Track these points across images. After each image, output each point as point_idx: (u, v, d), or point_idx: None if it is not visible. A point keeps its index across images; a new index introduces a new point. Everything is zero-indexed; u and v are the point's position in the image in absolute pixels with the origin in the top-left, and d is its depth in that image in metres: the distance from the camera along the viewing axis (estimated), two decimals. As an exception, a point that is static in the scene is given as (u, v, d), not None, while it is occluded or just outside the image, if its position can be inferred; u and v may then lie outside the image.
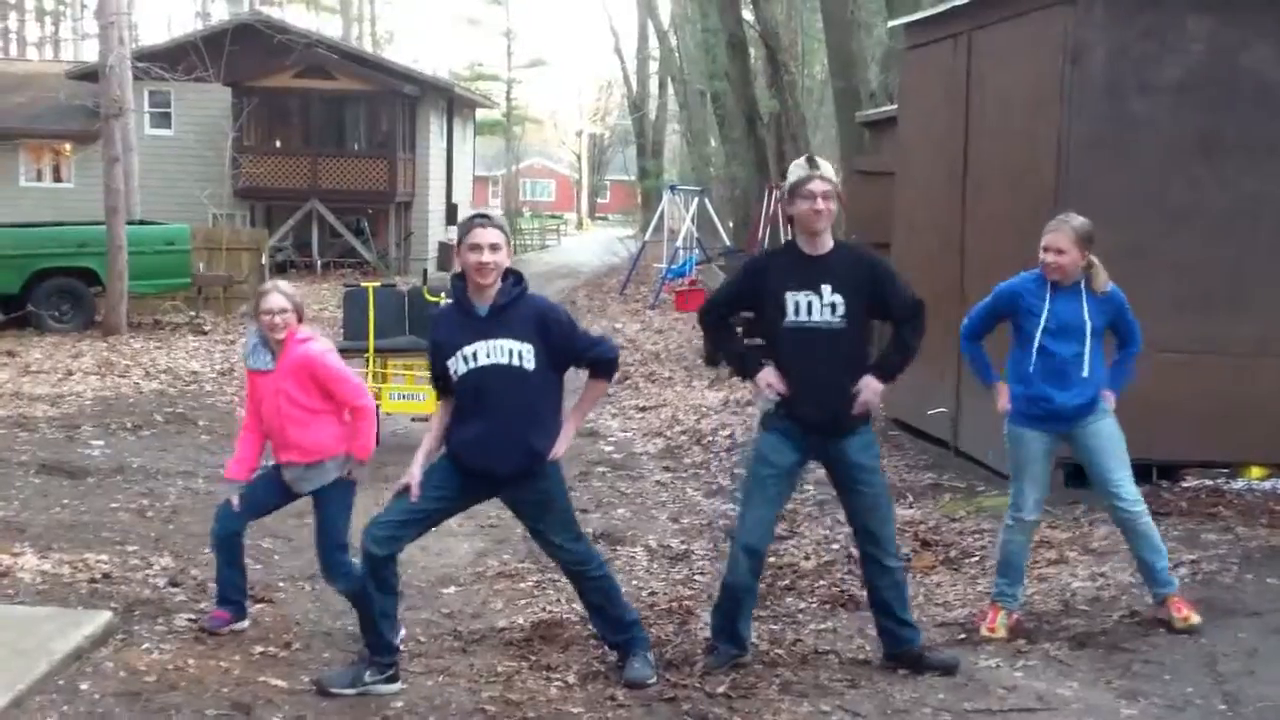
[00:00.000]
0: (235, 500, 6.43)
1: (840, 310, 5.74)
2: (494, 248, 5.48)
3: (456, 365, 5.54)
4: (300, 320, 6.27)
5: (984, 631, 6.35)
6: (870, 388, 5.81)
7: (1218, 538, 7.71)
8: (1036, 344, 6.26)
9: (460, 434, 5.62)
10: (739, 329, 6.42)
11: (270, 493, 6.47)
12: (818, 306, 5.75)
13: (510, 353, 5.52)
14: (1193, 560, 7.25)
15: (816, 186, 5.72)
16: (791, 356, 5.79)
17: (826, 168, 5.81)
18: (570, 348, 5.67)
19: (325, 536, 6.32)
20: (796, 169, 5.85)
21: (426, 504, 5.63)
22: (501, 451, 5.56)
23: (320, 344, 6.39)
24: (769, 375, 5.82)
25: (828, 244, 5.83)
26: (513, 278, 5.62)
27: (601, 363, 5.79)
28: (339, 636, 6.45)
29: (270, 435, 6.36)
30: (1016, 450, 6.41)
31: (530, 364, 5.54)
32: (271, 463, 6.46)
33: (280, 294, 6.25)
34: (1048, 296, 6.27)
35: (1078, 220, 6.29)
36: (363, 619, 5.80)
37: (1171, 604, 6.28)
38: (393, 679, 5.65)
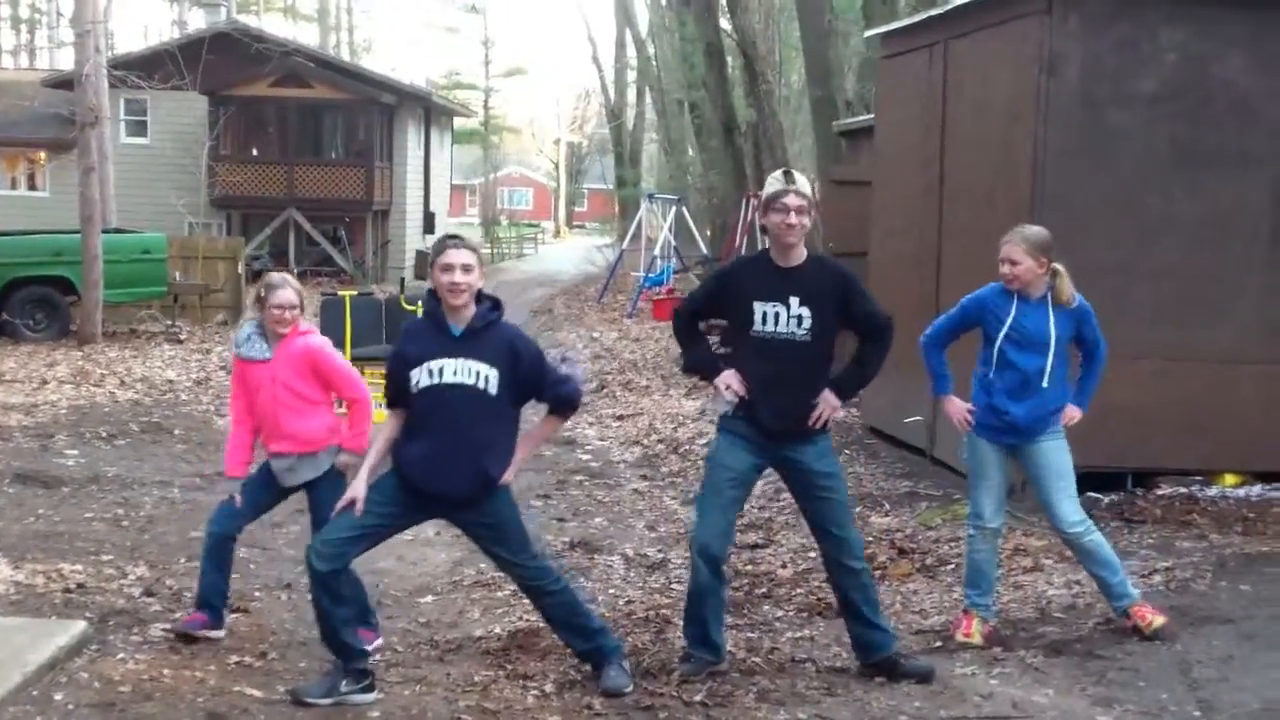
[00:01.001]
0: (238, 498, 6.42)
1: (806, 324, 5.77)
2: (465, 268, 5.46)
3: (419, 377, 5.49)
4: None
5: (959, 637, 6.35)
6: (827, 403, 5.85)
7: (1192, 545, 7.76)
8: (997, 354, 6.28)
9: (410, 451, 5.54)
10: (713, 338, 6.40)
11: (265, 491, 6.50)
12: (785, 318, 5.78)
13: (476, 374, 5.50)
14: (1167, 567, 7.28)
15: (790, 201, 5.74)
16: (755, 365, 5.82)
17: (803, 182, 5.82)
18: (537, 381, 5.66)
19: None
20: (773, 182, 5.87)
21: (373, 520, 5.57)
22: (453, 474, 5.51)
23: (320, 337, 6.46)
24: (728, 377, 5.85)
25: (800, 256, 5.85)
26: (489, 303, 5.61)
27: (564, 401, 5.77)
28: (315, 646, 6.40)
29: (262, 426, 6.36)
30: (974, 458, 6.46)
31: (493, 389, 5.52)
32: (262, 462, 6.46)
33: (292, 289, 6.33)
34: (1013, 307, 6.29)
35: (1031, 230, 6.34)
36: (324, 630, 5.73)
37: (1135, 613, 6.30)
38: (369, 688, 5.63)
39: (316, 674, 5.91)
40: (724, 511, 5.98)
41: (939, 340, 6.57)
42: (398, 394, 5.66)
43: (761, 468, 6.04)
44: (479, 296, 5.56)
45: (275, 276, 6.47)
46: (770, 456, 5.94)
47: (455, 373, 5.48)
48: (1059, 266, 6.31)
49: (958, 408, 6.45)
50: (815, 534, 6.06)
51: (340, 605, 5.59)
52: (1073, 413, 6.36)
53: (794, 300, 5.77)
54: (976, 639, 6.33)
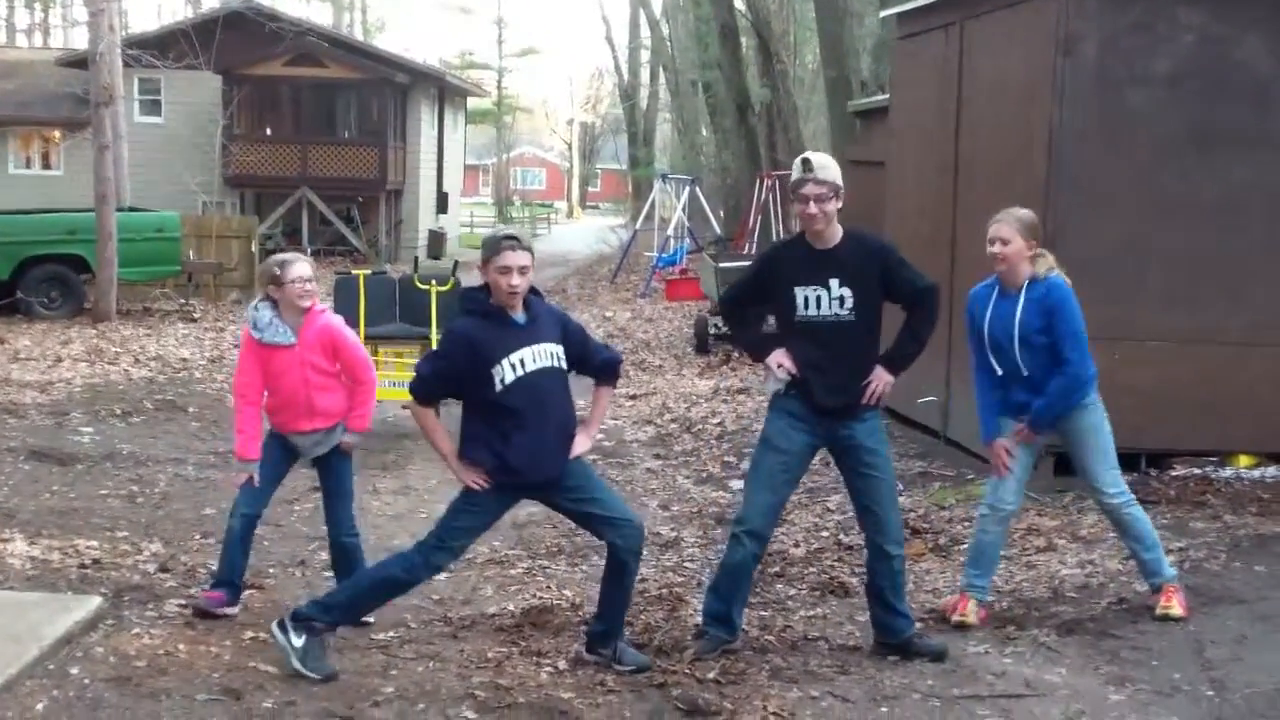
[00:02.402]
0: (256, 478, 6.44)
1: (849, 303, 5.78)
2: (523, 270, 5.46)
3: (503, 373, 5.45)
4: None
5: (954, 617, 6.34)
6: (881, 379, 5.87)
7: (1206, 525, 7.75)
8: (990, 353, 6.24)
9: (514, 449, 5.50)
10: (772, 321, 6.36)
11: (279, 467, 6.54)
12: (826, 301, 5.78)
13: (552, 354, 5.56)
14: (1181, 548, 7.28)
15: (809, 190, 5.74)
16: (802, 348, 5.82)
17: (823, 167, 5.77)
18: (584, 351, 5.75)
19: (346, 494, 6.51)
20: (794, 169, 5.87)
21: (486, 520, 5.75)
22: (556, 456, 5.59)
23: (336, 316, 6.50)
24: (780, 355, 5.85)
25: (836, 236, 5.84)
26: (533, 289, 5.65)
27: (611, 365, 5.90)
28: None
29: (289, 407, 6.34)
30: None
31: (564, 364, 5.63)
32: (268, 438, 6.47)
33: (307, 263, 6.35)
34: (989, 308, 6.25)
35: (1021, 211, 6.30)
36: (361, 593, 5.82)
37: (1164, 590, 6.30)
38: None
39: (333, 650, 5.89)
40: (774, 491, 6.00)
41: (981, 362, 6.38)
42: (452, 393, 5.66)
43: (816, 446, 6.05)
44: None
45: (287, 254, 6.48)
46: (824, 434, 5.94)
47: (535, 359, 5.50)
48: (1044, 251, 6.28)
49: (1001, 454, 6.30)
50: (859, 513, 6.05)
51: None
52: (1018, 429, 6.27)
53: (834, 282, 5.77)
54: (971, 619, 6.32)
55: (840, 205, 5.80)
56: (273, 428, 6.45)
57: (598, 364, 5.82)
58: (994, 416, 6.33)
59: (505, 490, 5.65)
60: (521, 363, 5.48)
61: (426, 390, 5.64)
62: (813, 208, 5.73)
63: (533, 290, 5.63)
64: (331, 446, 6.42)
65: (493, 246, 5.51)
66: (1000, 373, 6.25)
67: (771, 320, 6.13)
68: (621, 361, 6.04)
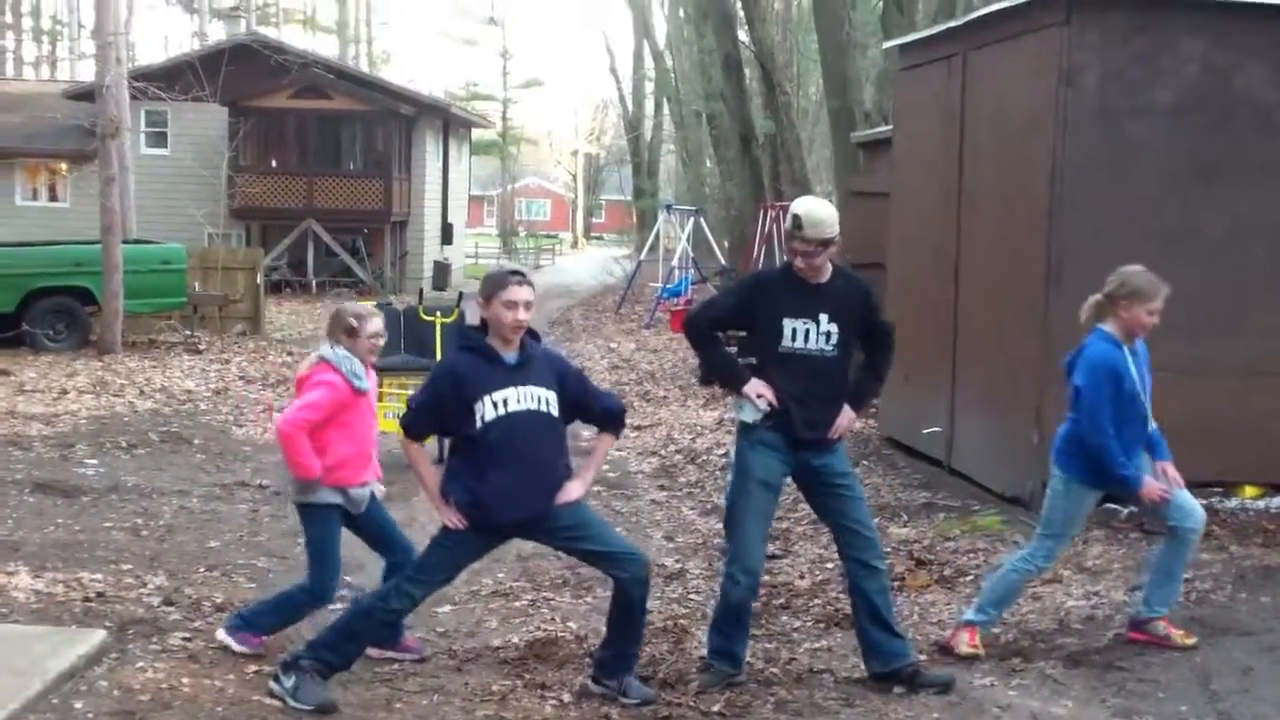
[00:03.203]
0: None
1: (834, 339, 5.87)
2: (528, 305, 5.51)
3: (484, 410, 5.47)
4: None
5: (964, 649, 6.32)
6: (845, 415, 5.98)
7: (1211, 557, 7.73)
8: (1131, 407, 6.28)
9: (486, 487, 5.52)
10: (731, 348, 6.42)
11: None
12: (814, 334, 5.85)
13: (539, 399, 5.56)
14: (1187, 579, 7.24)
15: (798, 245, 5.85)
16: (782, 378, 5.87)
17: (813, 225, 5.78)
18: (584, 398, 5.75)
19: (394, 530, 6.45)
20: (790, 218, 5.90)
21: (462, 562, 5.77)
22: (533, 498, 5.57)
23: None
24: (760, 385, 5.88)
25: (827, 272, 5.92)
26: (527, 330, 5.66)
27: (613, 414, 5.87)
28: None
29: (358, 457, 6.22)
30: (1075, 505, 6.33)
31: (555, 411, 5.60)
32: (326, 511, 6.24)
33: (380, 319, 6.32)
34: (1130, 360, 6.27)
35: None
36: (343, 629, 5.79)
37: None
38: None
39: (337, 683, 5.88)
40: (761, 523, 6.03)
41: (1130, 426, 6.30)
42: (438, 427, 5.74)
43: (787, 475, 6.07)
44: None
45: (360, 306, 6.44)
46: (796, 465, 5.98)
47: (519, 400, 5.51)
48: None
49: (1156, 488, 6.28)
50: (839, 534, 6.05)
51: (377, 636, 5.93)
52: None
53: (823, 317, 5.85)
54: (981, 649, 6.32)
55: (835, 249, 5.88)
56: (329, 488, 6.15)
57: (598, 411, 5.82)
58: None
59: (482, 529, 5.63)
60: (505, 402, 5.49)
61: (413, 422, 5.69)
62: (800, 262, 5.86)
63: (531, 334, 5.65)
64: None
65: (498, 282, 5.54)
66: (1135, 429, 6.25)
67: (733, 349, 6.18)
68: (624, 411, 6.00)
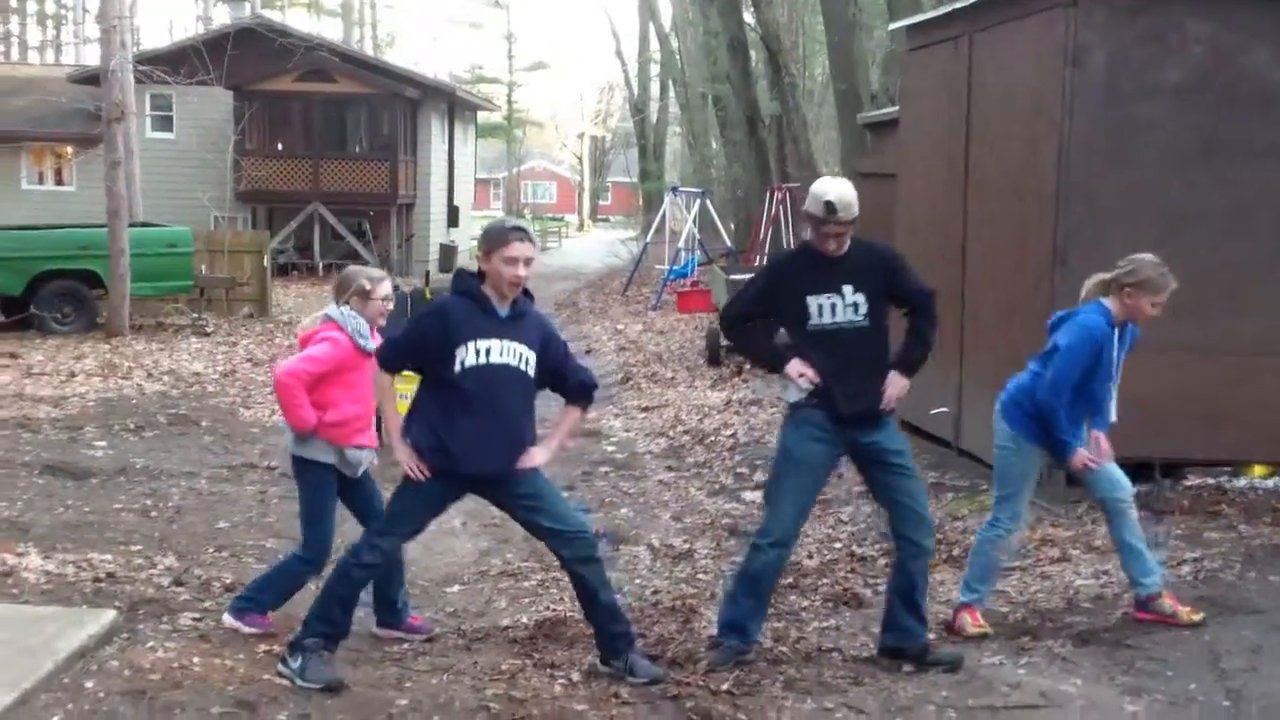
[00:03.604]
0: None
1: (863, 309, 5.82)
2: (528, 262, 5.52)
3: (465, 355, 5.50)
4: None
5: (971, 630, 6.35)
6: (896, 384, 5.91)
7: (1220, 535, 7.74)
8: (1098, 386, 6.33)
9: (455, 432, 5.53)
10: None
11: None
12: (840, 308, 5.81)
13: (519, 355, 5.57)
14: (1195, 558, 7.27)
15: (831, 229, 5.79)
16: (818, 356, 5.82)
17: (846, 207, 5.76)
18: (561, 367, 5.75)
19: (381, 513, 6.34)
20: (815, 203, 5.81)
21: (427, 514, 5.74)
22: (497, 452, 5.58)
23: None
24: (800, 364, 5.83)
25: (845, 244, 5.88)
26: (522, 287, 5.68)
27: (585, 388, 5.86)
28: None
29: (360, 417, 6.26)
30: (1026, 464, 6.38)
31: (531, 371, 5.61)
32: (318, 471, 6.28)
33: (390, 282, 6.37)
34: (1115, 339, 6.31)
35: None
36: (335, 609, 5.78)
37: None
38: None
39: (346, 663, 5.92)
40: (799, 504, 6.01)
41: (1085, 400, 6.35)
42: (416, 364, 5.67)
43: (839, 456, 6.05)
44: None
45: (371, 270, 6.48)
46: (846, 443, 5.94)
47: (502, 354, 5.53)
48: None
49: (1083, 458, 6.31)
50: (893, 510, 5.97)
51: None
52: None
53: (847, 289, 5.81)
54: (988, 628, 6.35)
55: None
56: (324, 442, 6.20)
57: (573, 384, 5.82)
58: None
59: (445, 479, 5.62)
60: (487, 351, 5.51)
61: (392, 356, 5.71)
62: (833, 244, 5.81)
63: (526, 292, 5.66)
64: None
65: (499, 236, 5.54)
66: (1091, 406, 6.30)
67: (782, 331, 6.13)
68: (597, 386, 5.98)
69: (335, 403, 6.18)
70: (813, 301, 5.81)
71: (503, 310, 5.57)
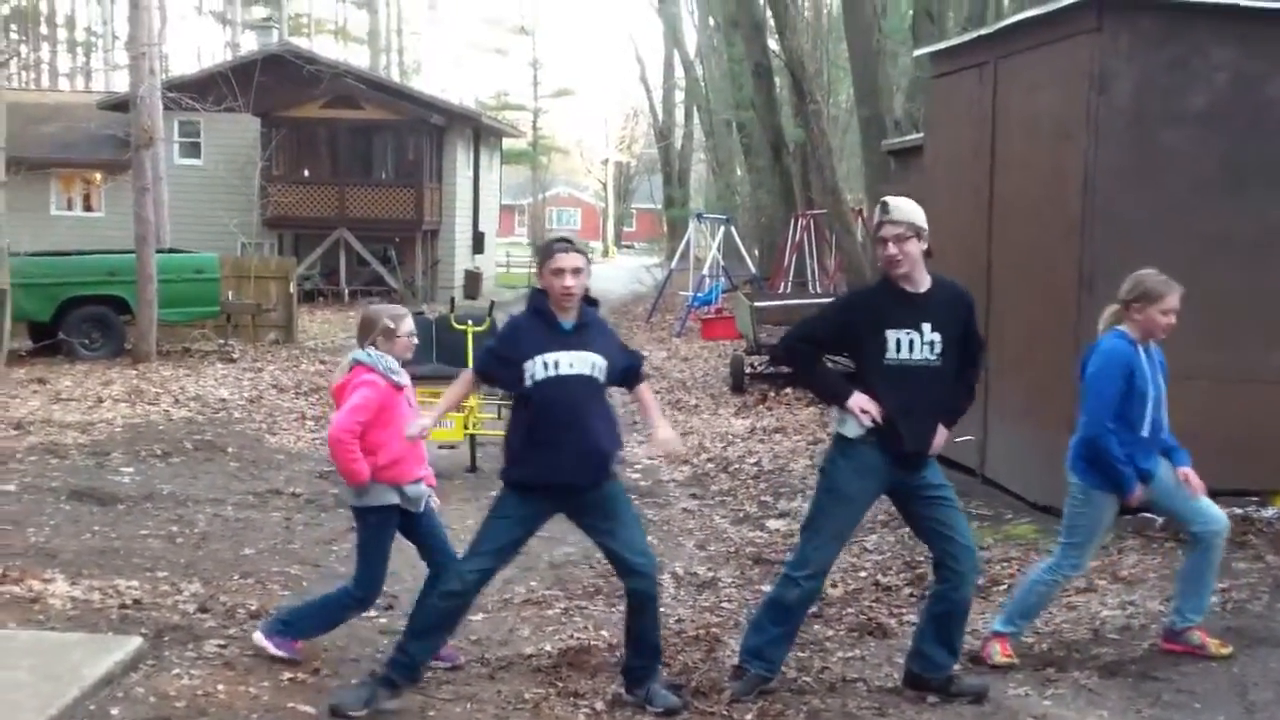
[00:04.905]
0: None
1: (939, 348, 5.77)
2: (576, 272, 5.61)
3: (534, 370, 5.59)
4: None
5: (999, 660, 6.31)
6: (942, 434, 5.91)
7: (1248, 566, 7.69)
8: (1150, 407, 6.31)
9: (531, 447, 5.64)
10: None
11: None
12: (919, 345, 5.75)
13: (592, 365, 5.66)
14: (1223, 589, 7.21)
15: (887, 231, 5.75)
16: (890, 392, 5.74)
17: (899, 208, 5.76)
18: (621, 360, 5.88)
19: (445, 540, 6.45)
20: (877, 207, 5.89)
21: (512, 537, 5.77)
22: (577, 463, 5.65)
23: None
24: (864, 400, 5.75)
25: (926, 280, 5.82)
26: (585, 296, 5.78)
27: (634, 370, 6.01)
28: (367, 663, 6.47)
29: (409, 453, 6.25)
30: (1098, 512, 6.30)
31: (604, 378, 5.71)
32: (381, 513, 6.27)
33: (411, 318, 6.41)
34: (1143, 359, 6.31)
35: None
36: (421, 644, 5.83)
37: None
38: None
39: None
40: (839, 538, 6.00)
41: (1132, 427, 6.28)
42: (498, 378, 5.88)
43: (880, 494, 6.01)
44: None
45: (391, 308, 6.51)
46: (892, 482, 5.90)
47: (572, 365, 5.62)
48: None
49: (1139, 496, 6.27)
50: (935, 543, 5.91)
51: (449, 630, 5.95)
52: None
53: (926, 326, 5.76)
54: (1015, 659, 6.32)
55: (925, 247, 5.77)
56: (384, 485, 6.18)
57: (634, 367, 6.00)
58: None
59: (526, 493, 5.70)
60: (556, 363, 5.59)
61: (485, 364, 5.82)
62: (891, 248, 5.72)
63: (590, 300, 5.78)
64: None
65: (546, 251, 5.70)
66: (1150, 432, 6.24)
67: (845, 362, 6.11)
68: (642, 360, 6.18)
69: (383, 444, 6.15)
70: (892, 335, 5.73)
71: (567, 322, 5.65)
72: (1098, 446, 6.14)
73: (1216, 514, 6.28)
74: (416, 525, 6.36)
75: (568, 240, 5.71)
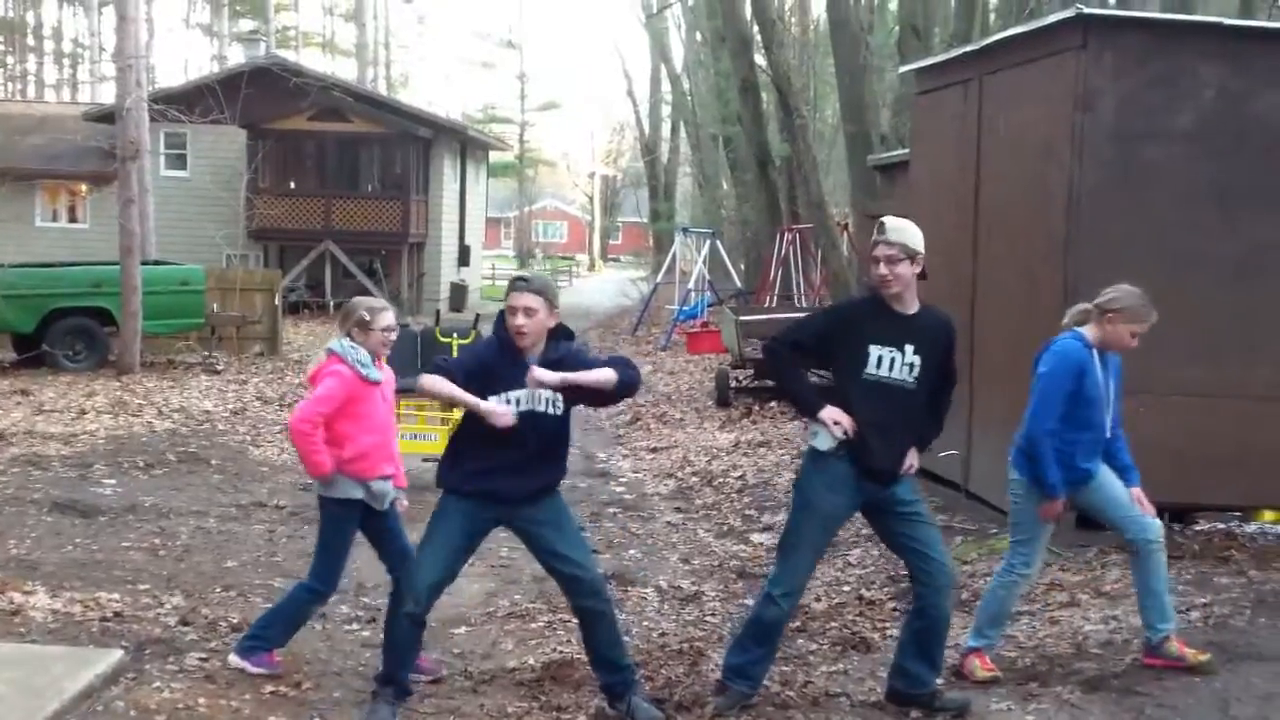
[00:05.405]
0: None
1: (916, 371, 5.78)
2: (528, 311, 5.53)
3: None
4: None
5: (981, 675, 6.31)
6: (913, 455, 5.92)
7: (1230, 581, 7.70)
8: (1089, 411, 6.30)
9: (475, 466, 5.64)
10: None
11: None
12: (899, 364, 5.76)
13: (546, 401, 5.62)
14: (1205, 604, 7.23)
15: (880, 251, 5.75)
16: (864, 407, 5.74)
17: (895, 230, 5.76)
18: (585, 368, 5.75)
19: (405, 542, 6.40)
20: (876, 226, 5.89)
21: (458, 552, 5.74)
22: (520, 481, 5.65)
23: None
24: (836, 413, 5.75)
25: (915, 304, 5.85)
26: (564, 333, 5.72)
27: (617, 362, 5.82)
28: (349, 676, 6.45)
29: (377, 448, 6.27)
30: (1038, 510, 6.35)
31: (559, 410, 5.66)
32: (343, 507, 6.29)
33: (392, 312, 6.39)
34: (1095, 362, 6.30)
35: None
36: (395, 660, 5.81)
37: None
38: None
39: (351, 704, 5.91)
40: (814, 553, 6.00)
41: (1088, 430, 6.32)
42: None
43: (856, 508, 6.00)
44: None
45: (372, 300, 6.50)
46: (863, 497, 5.90)
47: (526, 401, 5.58)
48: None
49: (1057, 510, 6.32)
50: (909, 559, 5.92)
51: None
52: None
53: (909, 348, 5.77)
54: (998, 672, 6.33)
55: (918, 270, 5.77)
56: (348, 479, 6.22)
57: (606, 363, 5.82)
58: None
59: (468, 499, 5.68)
60: (517, 401, 5.56)
61: (448, 370, 5.60)
62: (883, 269, 5.72)
63: (565, 334, 5.73)
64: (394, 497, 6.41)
65: (508, 286, 5.68)
66: (1094, 435, 6.26)
67: (821, 374, 6.12)
68: (634, 368, 5.81)
69: (350, 436, 6.18)
70: (875, 351, 5.74)
71: (532, 357, 5.59)
72: (1033, 443, 6.19)
73: (1148, 522, 6.31)
74: (378, 524, 6.37)
75: (524, 279, 5.67)
